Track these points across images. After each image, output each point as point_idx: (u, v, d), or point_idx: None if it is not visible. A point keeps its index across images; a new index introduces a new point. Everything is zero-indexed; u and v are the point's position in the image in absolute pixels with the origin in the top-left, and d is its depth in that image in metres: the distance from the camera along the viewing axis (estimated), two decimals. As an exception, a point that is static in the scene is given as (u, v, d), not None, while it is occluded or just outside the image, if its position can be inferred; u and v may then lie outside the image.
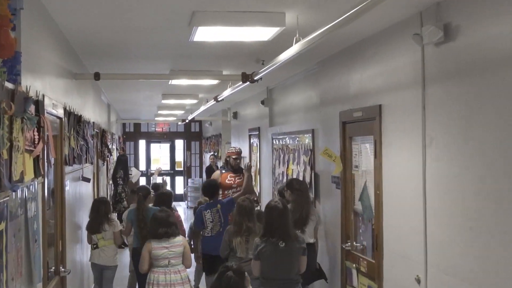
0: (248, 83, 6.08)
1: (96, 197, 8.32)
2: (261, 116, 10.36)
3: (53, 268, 4.51)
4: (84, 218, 6.85)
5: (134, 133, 20.98)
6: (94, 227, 6.62)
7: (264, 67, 5.28)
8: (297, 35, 4.27)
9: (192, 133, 21.39)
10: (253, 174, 10.85)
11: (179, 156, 21.82)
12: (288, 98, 8.70)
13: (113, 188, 12.04)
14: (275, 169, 9.11)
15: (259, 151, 10.54)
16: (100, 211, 6.67)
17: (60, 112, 4.68)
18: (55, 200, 4.76)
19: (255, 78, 5.82)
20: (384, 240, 4.88)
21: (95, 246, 6.68)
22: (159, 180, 12.72)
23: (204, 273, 7.15)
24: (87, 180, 6.53)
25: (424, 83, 4.17)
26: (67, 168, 5.24)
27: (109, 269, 6.77)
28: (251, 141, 11.36)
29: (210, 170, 14.52)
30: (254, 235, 5.52)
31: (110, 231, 6.67)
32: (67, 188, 5.20)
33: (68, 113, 5.15)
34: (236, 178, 7.98)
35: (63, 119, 4.88)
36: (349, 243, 5.73)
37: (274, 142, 9.28)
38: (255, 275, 4.97)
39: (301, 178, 7.54)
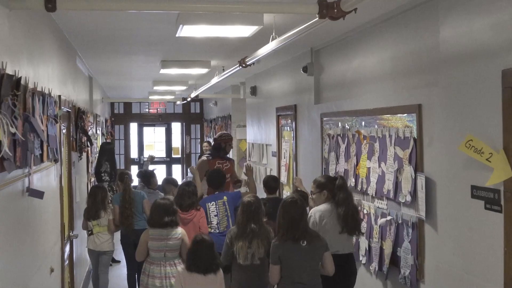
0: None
1: (68, 209, 5.72)
2: (300, 89, 7.49)
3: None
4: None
5: (124, 115, 18.11)
6: (92, 213, 6.80)
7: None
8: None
9: (192, 114, 18.52)
10: (285, 171, 8.02)
11: (177, 142, 19.01)
12: (353, 59, 5.84)
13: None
14: (328, 165, 6.28)
15: (295, 139, 7.68)
16: (97, 198, 6.79)
17: None
18: None
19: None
20: None
21: (90, 232, 6.84)
22: (151, 168, 10.04)
23: None
24: (39, 195, 3.70)
25: None
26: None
27: (106, 254, 6.95)
28: (281, 124, 8.49)
29: None
30: (258, 239, 4.85)
31: (105, 218, 6.83)
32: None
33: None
34: (224, 165, 7.46)
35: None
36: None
37: (326, 125, 6.44)
38: (272, 283, 4.60)
39: (388, 182, 4.75)
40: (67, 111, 6.04)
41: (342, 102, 6.01)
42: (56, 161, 4.78)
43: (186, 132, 18.56)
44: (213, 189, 6.51)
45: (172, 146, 18.97)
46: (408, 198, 4.45)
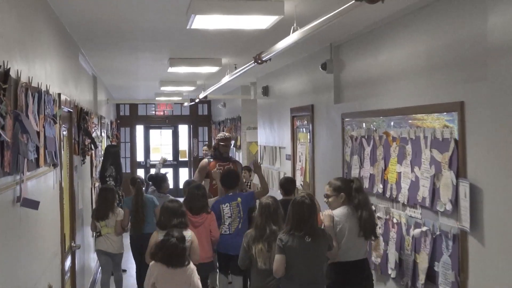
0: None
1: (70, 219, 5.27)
2: (317, 88, 7.02)
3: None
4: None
5: (130, 117, 17.64)
6: (101, 214, 6.81)
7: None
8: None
9: (199, 116, 18.03)
10: (300, 175, 7.55)
11: (184, 145, 18.53)
12: (379, 54, 5.36)
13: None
14: (351, 169, 5.80)
15: (312, 141, 7.20)
16: (107, 199, 6.82)
17: None
18: None
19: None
20: None
21: (98, 233, 6.84)
22: (163, 172, 9.74)
23: (218, 272, 6.54)
24: (33, 205, 3.23)
25: None
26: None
27: (117, 256, 6.99)
28: (296, 125, 8.01)
29: None
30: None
31: (113, 219, 6.82)
32: None
33: None
34: (226, 167, 7.16)
35: None
36: None
37: (347, 126, 5.96)
38: (278, 274, 4.48)
39: (422, 189, 4.27)
40: (69, 111, 5.59)
41: (367, 100, 5.52)
42: (55, 165, 4.32)
43: (193, 134, 18.10)
44: (226, 189, 6.37)
45: (180, 149, 18.50)
46: (448, 207, 3.96)
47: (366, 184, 5.37)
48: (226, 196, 6.31)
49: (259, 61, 5.76)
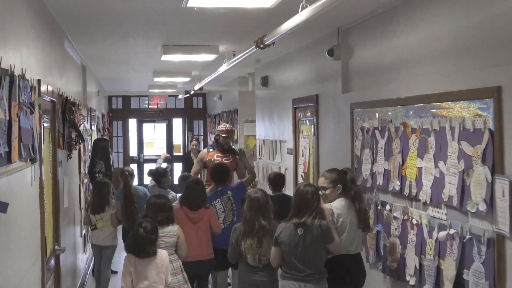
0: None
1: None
2: (323, 77, 6.51)
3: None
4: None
5: (122, 111, 17.10)
6: (96, 207, 6.75)
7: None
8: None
9: (194, 110, 17.50)
10: (303, 171, 7.07)
11: (178, 139, 18.02)
12: (394, 37, 4.85)
13: (91, 188, 8.24)
14: (361, 164, 5.31)
15: (316, 134, 6.70)
16: (103, 192, 6.76)
17: None
18: None
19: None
20: None
21: (93, 227, 6.80)
22: (164, 166, 9.66)
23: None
24: (2, 208, 2.72)
25: None
26: None
27: (108, 249, 6.91)
28: (299, 117, 7.51)
29: (188, 160, 10.93)
30: (269, 237, 4.66)
31: (108, 212, 6.77)
32: None
33: None
34: (224, 159, 7.10)
35: None
36: None
37: (357, 117, 5.46)
38: (274, 264, 4.54)
39: (449, 186, 3.78)
40: (52, 101, 5.07)
41: (381, 88, 5.02)
42: (33, 160, 3.81)
43: (188, 128, 17.57)
44: (216, 184, 6.30)
45: (174, 143, 17.98)
46: (482, 207, 3.47)
47: (380, 181, 4.88)
48: (216, 191, 6.23)
49: (262, 46, 5.25)
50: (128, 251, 4.97)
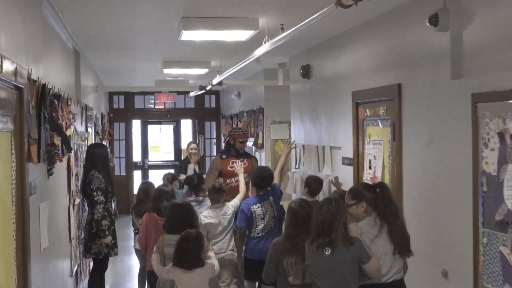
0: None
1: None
2: (414, 57, 4.58)
3: None
4: None
5: (125, 111, 15.19)
6: (141, 210, 6.32)
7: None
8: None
9: (206, 109, 15.59)
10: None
11: (187, 142, 16.15)
12: None
13: (87, 210, 6.35)
14: (499, 186, 3.40)
15: (398, 138, 4.79)
16: (149, 195, 6.28)
17: None
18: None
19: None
20: None
21: (136, 231, 6.50)
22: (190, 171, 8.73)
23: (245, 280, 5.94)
24: None
25: None
26: None
27: None
28: (363, 117, 5.59)
29: (186, 166, 9.37)
30: None
31: None
32: None
33: None
34: (241, 164, 6.69)
35: None
36: None
37: (485, 116, 3.56)
38: None
39: None
40: (16, 87, 3.17)
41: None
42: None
43: (199, 130, 15.68)
44: (257, 189, 5.94)
45: (182, 147, 16.09)
46: None
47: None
48: (256, 196, 5.90)
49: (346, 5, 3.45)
50: (176, 265, 4.60)
